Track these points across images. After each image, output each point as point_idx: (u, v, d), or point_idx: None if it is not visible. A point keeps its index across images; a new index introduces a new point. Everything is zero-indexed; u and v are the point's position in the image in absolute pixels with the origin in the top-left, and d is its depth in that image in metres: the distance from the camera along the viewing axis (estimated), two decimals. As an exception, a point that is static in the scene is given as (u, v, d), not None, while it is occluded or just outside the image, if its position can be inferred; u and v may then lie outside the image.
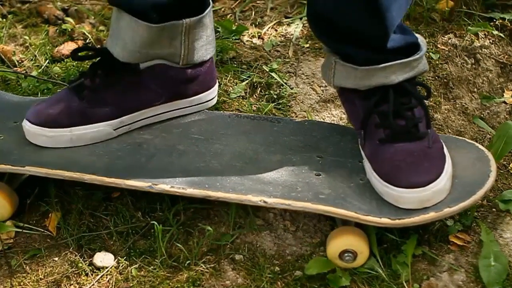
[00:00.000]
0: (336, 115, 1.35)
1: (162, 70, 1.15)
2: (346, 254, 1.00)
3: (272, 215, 1.11)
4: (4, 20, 1.66)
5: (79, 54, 1.16)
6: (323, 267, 1.00)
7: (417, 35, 1.09)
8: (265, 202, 0.98)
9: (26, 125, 1.11)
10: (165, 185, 1.01)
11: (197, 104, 1.21)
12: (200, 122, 1.19)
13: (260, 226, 1.09)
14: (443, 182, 0.99)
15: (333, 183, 1.04)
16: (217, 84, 1.25)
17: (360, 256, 1.01)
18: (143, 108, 1.15)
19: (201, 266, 1.02)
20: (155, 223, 1.02)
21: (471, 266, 1.03)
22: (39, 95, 1.38)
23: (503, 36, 1.54)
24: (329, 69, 1.09)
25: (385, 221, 0.97)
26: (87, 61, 1.22)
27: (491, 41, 1.53)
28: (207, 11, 1.14)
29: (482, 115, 1.41)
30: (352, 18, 1.00)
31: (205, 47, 1.17)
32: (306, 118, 1.30)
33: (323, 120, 1.31)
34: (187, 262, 1.03)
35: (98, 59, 1.15)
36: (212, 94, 1.23)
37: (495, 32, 1.53)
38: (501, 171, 1.28)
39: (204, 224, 1.09)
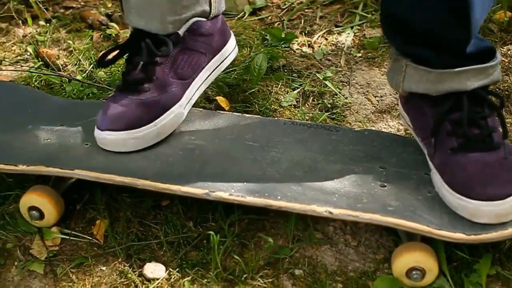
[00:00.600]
0: (393, 126, 1.28)
1: (199, 28, 1.14)
2: (414, 272, 0.93)
3: (332, 229, 1.05)
4: (48, 24, 1.62)
5: (106, 59, 1.12)
6: (391, 286, 0.93)
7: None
8: (330, 213, 0.92)
9: (108, 135, 1.04)
10: (223, 193, 0.95)
11: (225, 58, 1.20)
12: (254, 128, 1.13)
13: (319, 240, 1.02)
14: (507, 204, 0.91)
15: (400, 195, 0.97)
16: (234, 39, 1.25)
17: (428, 274, 0.94)
18: (197, 74, 1.14)
19: (259, 281, 0.96)
20: (212, 233, 0.96)
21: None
22: (84, 99, 1.33)
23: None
24: (397, 73, 1.03)
25: (459, 236, 0.90)
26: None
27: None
28: None
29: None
30: (432, 18, 0.94)
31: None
32: (372, 129, 1.24)
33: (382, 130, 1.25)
34: (244, 275, 0.96)
35: (129, 52, 1.11)
36: (231, 47, 1.23)
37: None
38: None
39: (260, 236, 1.02)
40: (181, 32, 1.12)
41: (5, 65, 1.47)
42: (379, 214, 0.92)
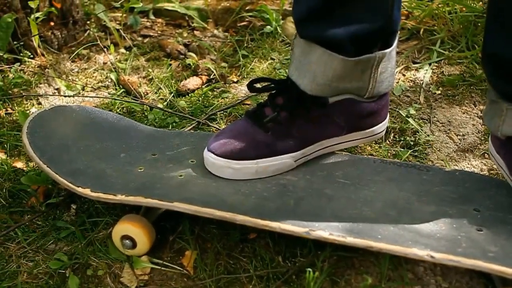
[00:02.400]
0: (476, 166, 1.27)
1: (349, 105, 1.12)
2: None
3: (422, 269, 1.03)
4: (128, 52, 1.65)
5: (256, 85, 1.13)
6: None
7: None
8: (432, 257, 0.91)
9: (211, 157, 1.08)
10: (323, 232, 0.95)
11: (370, 136, 1.18)
12: (344, 165, 1.13)
13: (411, 280, 1.01)
14: None
15: (498, 240, 0.95)
16: (388, 117, 1.21)
17: (526, 321, 0.92)
18: (325, 139, 1.14)
19: (352, 320, 0.95)
20: (309, 270, 0.96)
21: None
22: (169, 128, 1.35)
23: None
24: (497, 116, 1.02)
25: None
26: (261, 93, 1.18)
27: None
28: (395, 43, 1.11)
29: None
30: None
31: (388, 79, 1.13)
32: (455, 168, 1.23)
33: (473, 172, 1.24)
34: (337, 313, 0.96)
35: (277, 91, 1.12)
36: (383, 127, 1.20)
37: None
38: None
39: (349, 274, 1.02)
40: (330, 100, 1.11)
41: (87, 91, 1.50)
42: (481, 261, 0.90)
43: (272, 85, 1.13)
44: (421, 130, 1.34)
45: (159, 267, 1.05)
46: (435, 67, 1.55)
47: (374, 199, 1.03)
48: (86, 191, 1.03)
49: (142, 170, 1.11)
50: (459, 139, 1.34)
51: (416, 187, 1.08)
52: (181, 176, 1.08)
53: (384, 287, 0.99)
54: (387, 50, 1.10)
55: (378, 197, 1.04)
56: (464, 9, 1.67)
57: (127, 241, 1.05)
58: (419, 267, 1.04)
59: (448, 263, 0.90)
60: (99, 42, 1.65)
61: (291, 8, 1.54)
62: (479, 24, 1.63)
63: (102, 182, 1.06)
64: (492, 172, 1.25)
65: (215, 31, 1.77)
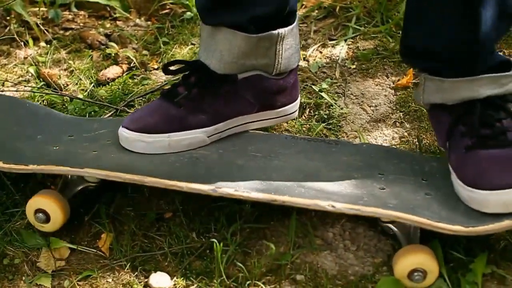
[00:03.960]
0: (388, 134, 1.31)
1: (257, 81, 1.16)
2: (415, 274, 0.96)
3: (332, 235, 1.08)
4: (48, 46, 1.66)
5: (170, 68, 1.17)
6: (394, 287, 0.96)
7: None
8: (333, 206, 0.95)
9: (124, 132, 1.11)
10: (229, 189, 0.99)
11: (282, 116, 1.22)
12: (256, 141, 1.17)
13: (320, 246, 1.05)
14: None
15: (399, 195, 1.00)
16: (299, 98, 1.26)
17: (429, 275, 0.97)
18: (236, 116, 1.17)
19: (262, 287, 0.99)
20: (215, 241, 0.99)
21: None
22: (87, 117, 1.36)
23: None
24: (419, 88, 1.09)
25: (458, 228, 0.93)
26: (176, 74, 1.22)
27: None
28: (296, 20, 1.17)
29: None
30: (447, 46, 1.02)
31: (294, 55, 1.18)
32: (359, 139, 1.27)
33: (377, 142, 1.28)
34: (247, 282, 0.99)
35: (190, 71, 1.17)
36: (295, 107, 1.24)
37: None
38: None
39: (261, 245, 1.05)
40: (239, 76, 1.15)
41: (8, 86, 1.50)
42: (381, 208, 0.95)
43: (185, 66, 1.17)
44: (335, 103, 1.38)
45: (78, 248, 1.07)
46: (351, 43, 1.59)
47: (283, 167, 1.07)
48: None
49: (57, 148, 1.13)
50: (371, 110, 1.38)
51: (324, 158, 1.12)
52: (95, 151, 1.11)
53: (293, 253, 1.03)
54: (289, 27, 1.15)
55: (287, 166, 1.08)
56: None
57: (40, 214, 1.07)
58: (328, 233, 1.08)
59: (349, 211, 0.95)
60: (16, 37, 1.65)
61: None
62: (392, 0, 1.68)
63: (15, 156, 1.10)
64: (403, 139, 1.30)
65: (137, 20, 1.78)
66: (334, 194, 0.99)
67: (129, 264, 1.04)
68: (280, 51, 1.16)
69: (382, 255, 1.04)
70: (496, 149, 1.00)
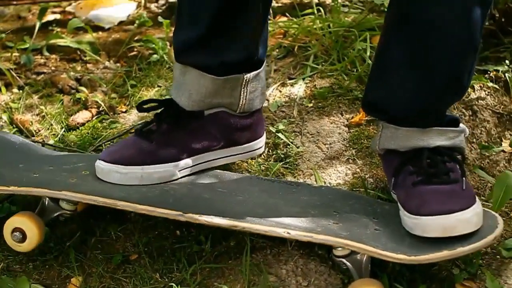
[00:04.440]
0: (341, 171, 1.40)
1: (222, 117, 1.27)
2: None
3: (285, 272, 1.16)
4: (21, 91, 1.73)
5: (144, 106, 1.28)
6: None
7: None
8: (288, 233, 1.06)
9: (101, 164, 1.21)
10: (194, 215, 1.09)
11: (248, 152, 1.32)
12: (224, 179, 1.27)
13: (273, 283, 1.14)
14: (469, 215, 1.06)
15: (350, 229, 1.10)
16: (265, 134, 1.36)
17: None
18: (204, 152, 1.26)
19: (219, 324, 1.07)
20: (173, 284, 1.07)
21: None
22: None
23: (497, 87, 1.61)
24: (376, 135, 1.22)
25: (401, 257, 1.03)
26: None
27: (486, 92, 1.60)
28: (263, 66, 1.29)
29: (482, 165, 1.46)
30: (409, 104, 1.15)
31: (259, 98, 1.30)
32: (315, 177, 1.37)
33: (331, 179, 1.37)
34: (205, 320, 1.07)
35: (161, 109, 1.26)
36: (261, 143, 1.34)
37: (490, 84, 1.60)
38: (504, 218, 1.32)
39: (220, 283, 1.13)
40: (206, 112, 1.25)
41: (-18, 133, 1.58)
42: (332, 236, 1.06)
43: (157, 105, 1.28)
44: (292, 142, 1.47)
45: (47, 295, 1.15)
46: (309, 81, 1.68)
47: (246, 201, 1.18)
48: None
49: (37, 175, 1.22)
50: (326, 147, 1.47)
51: (285, 196, 1.22)
52: (73, 179, 1.20)
53: (248, 291, 1.12)
54: (254, 72, 1.27)
55: (250, 201, 1.19)
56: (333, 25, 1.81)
57: (17, 233, 1.16)
58: (281, 270, 1.16)
59: (302, 238, 1.06)
60: (-12, 84, 1.73)
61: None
62: (348, 38, 1.77)
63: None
64: (355, 175, 1.39)
65: (107, 63, 1.86)
66: (290, 225, 1.09)
67: (97, 306, 1.12)
68: (245, 93, 1.26)
69: (332, 289, 1.13)
70: (442, 185, 1.11)
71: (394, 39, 1.16)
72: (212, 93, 1.24)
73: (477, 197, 1.12)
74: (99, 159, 1.22)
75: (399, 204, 1.15)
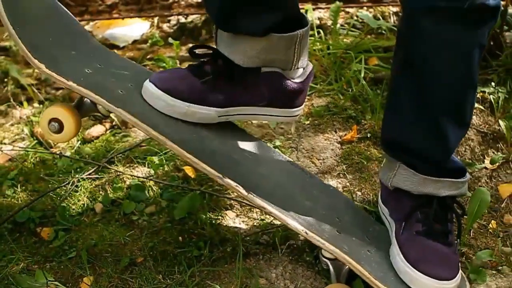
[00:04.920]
0: (333, 185, 1.52)
1: (277, 78, 1.30)
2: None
3: (274, 275, 1.29)
4: (41, 105, 1.88)
5: (195, 51, 1.29)
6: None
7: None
8: (306, 233, 1.17)
9: (150, 87, 1.22)
10: (232, 182, 1.16)
11: (285, 116, 1.36)
12: (251, 142, 1.36)
13: (263, 285, 1.26)
14: (452, 285, 1.19)
15: (350, 244, 1.22)
16: (303, 105, 1.40)
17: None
18: (247, 105, 1.30)
19: (213, 321, 1.20)
20: (174, 285, 1.20)
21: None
22: (72, 173, 1.58)
23: (483, 108, 1.72)
24: (390, 171, 1.30)
25: None
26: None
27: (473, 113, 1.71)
28: (309, 23, 1.31)
29: (464, 181, 1.58)
30: (422, 145, 1.24)
31: (307, 54, 1.33)
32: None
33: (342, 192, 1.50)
34: (201, 317, 1.21)
35: (216, 56, 1.28)
36: (298, 111, 1.38)
37: (476, 105, 1.72)
38: (481, 231, 1.44)
39: (217, 284, 1.26)
40: (262, 69, 1.28)
41: (5, 144, 1.72)
42: (338, 250, 1.17)
43: (212, 53, 1.29)
44: (289, 158, 1.60)
45: (62, 292, 1.28)
46: (307, 100, 1.81)
47: (269, 178, 1.28)
48: (41, 66, 1.16)
49: (90, 72, 1.23)
50: (320, 163, 1.60)
51: (301, 183, 1.34)
52: (122, 91, 1.22)
53: (240, 293, 1.25)
54: (305, 28, 1.29)
55: (272, 178, 1.29)
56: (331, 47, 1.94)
57: (55, 123, 1.18)
58: (271, 273, 1.29)
59: (316, 243, 1.17)
60: (11, 100, 1.87)
61: (187, 54, 1.78)
62: (345, 59, 1.90)
63: (56, 65, 1.19)
64: (345, 189, 1.52)
65: (121, 80, 2.00)
66: (305, 223, 1.19)
67: (105, 303, 1.25)
68: (298, 50, 1.28)
69: (316, 292, 1.26)
70: (440, 244, 1.23)
71: (400, 83, 1.23)
72: (267, 50, 1.25)
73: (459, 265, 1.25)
74: (149, 80, 1.23)
75: (395, 241, 1.26)
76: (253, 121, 1.73)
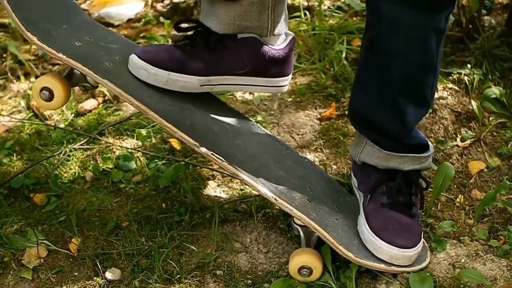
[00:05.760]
0: (310, 158, 1.62)
1: (254, 43, 1.35)
2: (303, 270, 1.27)
3: (249, 240, 1.38)
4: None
5: (180, 25, 1.35)
6: (283, 285, 1.27)
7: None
8: (275, 199, 1.25)
9: (134, 58, 1.30)
10: (208, 150, 1.24)
11: (271, 86, 1.40)
12: (231, 115, 1.44)
13: (238, 248, 1.36)
14: (412, 253, 1.28)
15: (318, 212, 1.30)
16: (291, 75, 1.43)
17: (315, 271, 1.27)
18: (228, 74, 1.35)
19: (189, 280, 1.30)
20: (155, 246, 1.30)
21: (405, 279, 1.29)
22: (65, 144, 1.68)
23: (458, 88, 1.80)
24: (358, 147, 1.39)
25: (349, 254, 1.26)
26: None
27: (448, 93, 1.80)
28: None
29: (436, 157, 1.66)
30: (382, 118, 1.31)
31: (284, 22, 1.38)
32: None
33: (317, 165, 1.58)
34: (178, 276, 1.30)
35: (198, 28, 1.34)
36: (285, 82, 1.42)
37: (451, 85, 1.80)
38: (449, 204, 1.53)
39: (194, 246, 1.36)
40: (239, 35, 1.33)
41: (3, 115, 1.82)
42: (306, 217, 1.26)
43: (195, 25, 1.36)
44: (270, 132, 1.69)
45: (52, 251, 1.38)
46: (291, 78, 1.89)
47: (246, 150, 1.36)
48: (33, 38, 1.24)
49: (79, 45, 1.31)
50: (299, 137, 1.69)
51: (276, 155, 1.42)
52: (109, 64, 1.30)
53: (215, 254, 1.34)
54: None
55: (249, 150, 1.36)
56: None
57: (46, 92, 1.26)
58: (246, 238, 1.39)
59: (284, 208, 1.25)
60: (9, 74, 1.96)
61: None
62: (330, 40, 1.98)
63: (48, 38, 1.27)
64: (321, 162, 1.61)
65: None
66: (276, 191, 1.27)
67: (91, 262, 1.35)
68: (272, 16, 1.33)
69: (287, 256, 1.35)
70: (403, 215, 1.32)
71: (366, 61, 1.31)
72: (240, 15, 1.30)
73: (422, 234, 1.32)
74: (134, 53, 1.30)
75: (362, 211, 1.35)
76: (238, 97, 1.82)
